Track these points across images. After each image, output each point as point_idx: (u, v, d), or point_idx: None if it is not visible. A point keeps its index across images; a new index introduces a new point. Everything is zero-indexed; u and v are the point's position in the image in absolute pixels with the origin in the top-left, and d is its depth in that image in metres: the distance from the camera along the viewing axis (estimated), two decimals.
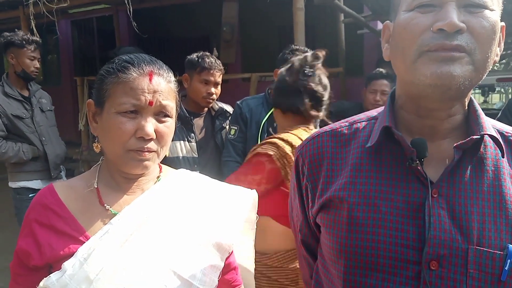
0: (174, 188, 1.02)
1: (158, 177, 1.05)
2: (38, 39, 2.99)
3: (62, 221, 0.93)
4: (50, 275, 0.87)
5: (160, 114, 0.93)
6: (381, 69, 2.98)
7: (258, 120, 2.44)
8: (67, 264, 0.87)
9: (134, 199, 0.97)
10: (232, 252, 1.06)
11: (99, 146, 1.00)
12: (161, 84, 0.93)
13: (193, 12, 7.50)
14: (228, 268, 1.07)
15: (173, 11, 7.61)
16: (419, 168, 0.77)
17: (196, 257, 0.95)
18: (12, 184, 2.92)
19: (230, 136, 2.46)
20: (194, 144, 2.39)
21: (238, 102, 2.52)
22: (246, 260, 1.16)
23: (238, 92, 4.57)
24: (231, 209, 1.04)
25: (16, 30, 3.08)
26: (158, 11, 7.41)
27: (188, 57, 2.41)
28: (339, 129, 0.92)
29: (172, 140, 2.39)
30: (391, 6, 0.85)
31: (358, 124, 0.91)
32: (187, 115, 2.38)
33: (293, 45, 2.60)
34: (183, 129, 2.29)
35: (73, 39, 8.76)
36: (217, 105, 2.56)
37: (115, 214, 0.94)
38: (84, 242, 0.90)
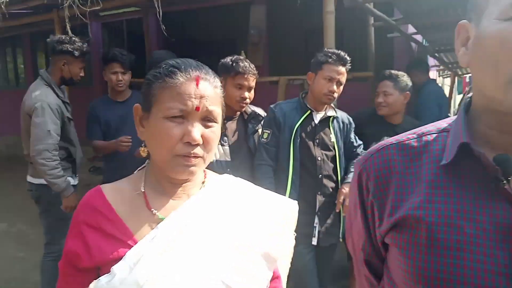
0: (220, 195, 1.02)
1: (203, 182, 1.05)
2: (88, 48, 3.04)
3: (111, 224, 0.94)
4: (100, 278, 0.88)
5: (207, 119, 0.94)
6: (386, 71, 2.95)
7: (292, 125, 2.44)
8: (116, 268, 0.87)
9: (180, 204, 0.98)
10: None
11: (145, 150, 1.01)
12: (207, 89, 0.94)
13: (221, 15, 7.56)
14: (273, 277, 1.06)
15: (201, 14, 7.69)
16: (506, 187, 0.70)
17: (245, 267, 0.95)
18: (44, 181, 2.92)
19: (263, 140, 2.47)
20: (227, 147, 2.41)
21: (271, 106, 2.53)
22: (283, 270, 1.14)
23: (265, 95, 4.56)
24: (277, 219, 1.04)
25: (71, 35, 3.14)
26: (187, 14, 7.51)
27: (222, 60, 2.42)
28: (407, 142, 0.86)
29: None
30: (471, 5, 0.77)
31: (428, 136, 0.85)
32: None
33: (326, 48, 2.60)
34: None
35: (103, 41, 8.96)
36: (250, 108, 2.57)
37: (161, 219, 0.95)
38: (132, 246, 0.90)
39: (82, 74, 3.02)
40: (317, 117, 2.50)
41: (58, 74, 2.96)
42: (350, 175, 2.54)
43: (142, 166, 1.05)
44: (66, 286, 0.99)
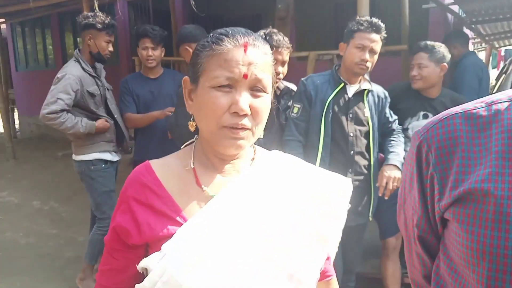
0: (271, 172, 0.97)
1: (253, 158, 1.00)
2: (115, 23, 3.09)
3: (160, 200, 0.91)
4: (150, 255, 0.86)
5: (256, 88, 0.88)
6: (421, 42, 2.78)
7: (323, 98, 2.33)
8: (166, 247, 0.85)
9: (229, 181, 0.95)
10: None
11: (194, 124, 0.97)
12: (256, 56, 0.88)
13: None
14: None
15: None
16: None
17: (300, 249, 0.90)
18: (85, 157, 3.04)
19: (293, 114, 2.38)
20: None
21: (302, 79, 2.42)
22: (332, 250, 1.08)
23: (293, 71, 4.44)
24: (330, 198, 0.98)
25: (96, 11, 3.23)
26: None
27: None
28: (474, 111, 0.79)
29: None
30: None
31: (499, 105, 0.77)
32: None
33: (358, 17, 2.45)
34: None
35: (129, 19, 8.94)
36: (283, 84, 2.48)
37: (211, 196, 0.92)
38: (182, 224, 0.88)
39: (110, 49, 3.05)
40: (351, 90, 2.38)
41: (87, 50, 3.05)
42: (392, 156, 2.41)
43: (190, 141, 1.02)
44: (113, 261, 0.96)
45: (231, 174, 0.97)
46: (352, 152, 2.36)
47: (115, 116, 3.17)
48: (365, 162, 2.42)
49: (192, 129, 0.99)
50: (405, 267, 1.46)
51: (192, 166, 0.96)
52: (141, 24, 8.75)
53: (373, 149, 2.42)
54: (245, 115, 0.87)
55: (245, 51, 0.87)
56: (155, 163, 0.97)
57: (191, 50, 2.73)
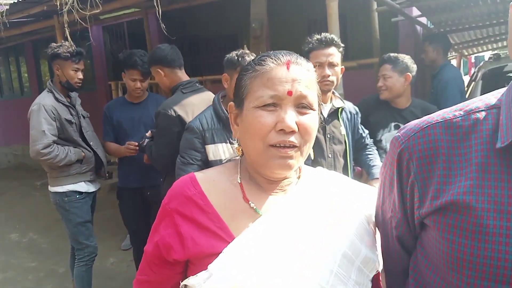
0: (319, 191, 0.96)
1: (299, 177, 0.98)
2: (82, 50, 3.07)
3: (205, 215, 0.87)
4: (198, 274, 0.82)
5: (301, 105, 0.86)
6: (385, 55, 2.85)
7: None
8: (213, 266, 0.81)
9: (278, 200, 0.92)
10: None
11: (240, 149, 0.96)
12: (300, 73, 0.87)
13: (221, 10, 7.47)
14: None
15: (201, 10, 7.60)
16: None
17: (350, 274, 0.87)
18: (59, 188, 2.99)
19: None
20: (236, 145, 2.32)
21: None
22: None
23: None
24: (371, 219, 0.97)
25: (62, 41, 3.22)
26: (187, 11, 7.43)
27: (228, 56, 2.32)
28: (454, 120, 0.79)
29: (215, 143, 2.28)
30: None
31: (477, 114, 0.78)
32: (228, 115, 2.31)
33: (308, 37, 2.37)
34: (225, 130, 2.20)
35: (105, 44, 8.91)
36: None
37: (258, 214, 0.89)
38: (228, 242, 0.84)
39: (80, 76, 3.04)
40: (325, 109, 2.35)
41: (57, 80, 3.05)
42: (375, 170, 2.44)
43: (235, 157, 1.00)
44: (150, 273, 0.94)
45: (278, 194, 0.94)
46: None
47: (91, 143, 3.14)
48: None
49: (238, 153, 0.97)
50: None
51: (239, 181, 0.93)
52: (116, 48, 8.80)
53: (350, 167, 2.42)
54: (292, 132, 0.84)
55: (288, 68, 0.86)
56: (200, 176, 0.93)
57: (163, 74, 2.73)
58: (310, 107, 0.87)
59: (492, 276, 0.70)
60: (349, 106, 2.51)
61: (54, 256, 4.45)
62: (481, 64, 5.78)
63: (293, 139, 0.84)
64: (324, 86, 2.26)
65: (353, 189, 1.01)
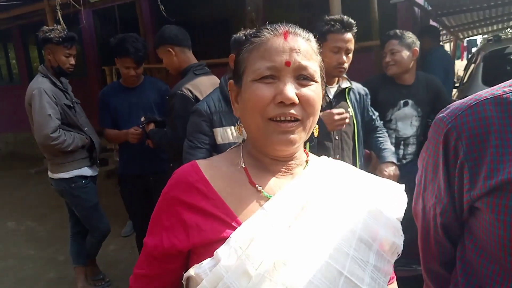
0: (329, 176, 0.91)
1: (307, 161, 0.94)
2: (75, 35, 2.97)
3: (208, 201, 0.83)
4: (202, 262, 0.78)
5: (302, 77, 0.82)
6: (390, 31, 2.80)
7: None
8: (220, 253, 0.77)
9: (285, 183, 0.87)
10: None
11: (241, 128, 0.92)
12: (298, 42, 0.83)
13: None
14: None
15: None
16: None
17: (368, 259, 0.83)
18: (64, 175, 2.94)
19: None
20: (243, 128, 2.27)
21: None
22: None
23: None
24: (387, 206, 0.91)
25: (54, 25, 3.11)
26: None
27: (234, 36, 2.24)
28: (504, 96, 0.75)
29: (223, 126, 2.22)
30: None
31: None
32: None
33: (327, 16, 2.32)
34: (232, 113, 2.15)
35: (95, 29, 8.73)
36: None
37: (267, 197, 0.85)
38: (235, 227, 0.80)
39: (72, 62, 2.96)
40: (331, 91, 2.30)
41: (49, 65, 2.97)
42: (386, 153, 2.40)
43: (235, 145, 0.96)
44: (148, 267, 0.89)
45: (285, 176, 0.89)
46: (338, 156, 2.27)
47: (85, 129, 3.07)
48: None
49: (240, 133, 0.93)
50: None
51: (243, 166, 0.89)
52: (107, 33, 8.61)
53: (358, 149, 2.35)
54: (293, 104, 0.80)
55: (285, 38, 0.82)
56: (201, 163, 0.90)
57: (173, 53, 2.65)
58: (311, 79, 0.83)
59: None
60: (358, 87, 2.45)
61: (53, 244, 4.40)
62: (479, 46, 5.77)
63: (294, 110, 0.80)
64: (338, 73, 2.22)
65: (360, 177, 0.97)
